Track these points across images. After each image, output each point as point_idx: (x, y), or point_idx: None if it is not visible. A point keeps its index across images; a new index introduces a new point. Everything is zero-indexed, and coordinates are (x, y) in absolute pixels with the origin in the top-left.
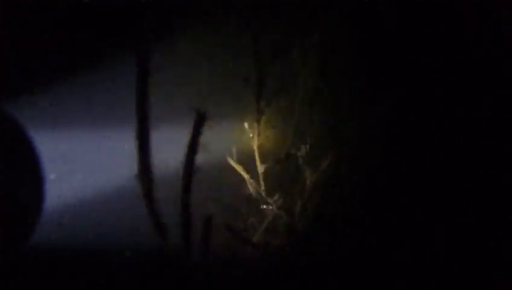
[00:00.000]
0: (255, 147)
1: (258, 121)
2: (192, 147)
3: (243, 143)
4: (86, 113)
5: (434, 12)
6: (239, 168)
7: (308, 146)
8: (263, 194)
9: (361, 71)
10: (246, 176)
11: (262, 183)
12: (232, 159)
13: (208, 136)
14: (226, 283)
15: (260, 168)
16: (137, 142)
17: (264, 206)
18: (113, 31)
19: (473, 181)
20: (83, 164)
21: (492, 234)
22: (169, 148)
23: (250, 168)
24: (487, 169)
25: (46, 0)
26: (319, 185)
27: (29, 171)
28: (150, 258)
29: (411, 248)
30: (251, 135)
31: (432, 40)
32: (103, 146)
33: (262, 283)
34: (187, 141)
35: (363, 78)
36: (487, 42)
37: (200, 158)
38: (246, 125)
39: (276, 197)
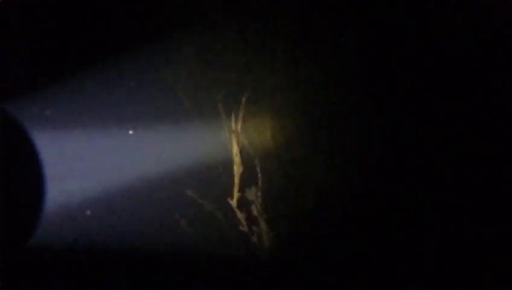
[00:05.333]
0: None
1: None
2: None
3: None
4: (86, 113)
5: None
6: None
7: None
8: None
9: (359, 69)
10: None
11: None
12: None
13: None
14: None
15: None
16: None
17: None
18: (114, 31)
19: (472, 181)
20: (83, 164)
21: (492, 234)
22: (170, 148)
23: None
24: (487, 169)
25: (46, 0)
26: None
27: (29, 171)
28: (150, 258)
29: (410, 248)
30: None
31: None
32: (103, 146)
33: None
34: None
35: (361, 77)
36: (487, 41)
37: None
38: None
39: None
